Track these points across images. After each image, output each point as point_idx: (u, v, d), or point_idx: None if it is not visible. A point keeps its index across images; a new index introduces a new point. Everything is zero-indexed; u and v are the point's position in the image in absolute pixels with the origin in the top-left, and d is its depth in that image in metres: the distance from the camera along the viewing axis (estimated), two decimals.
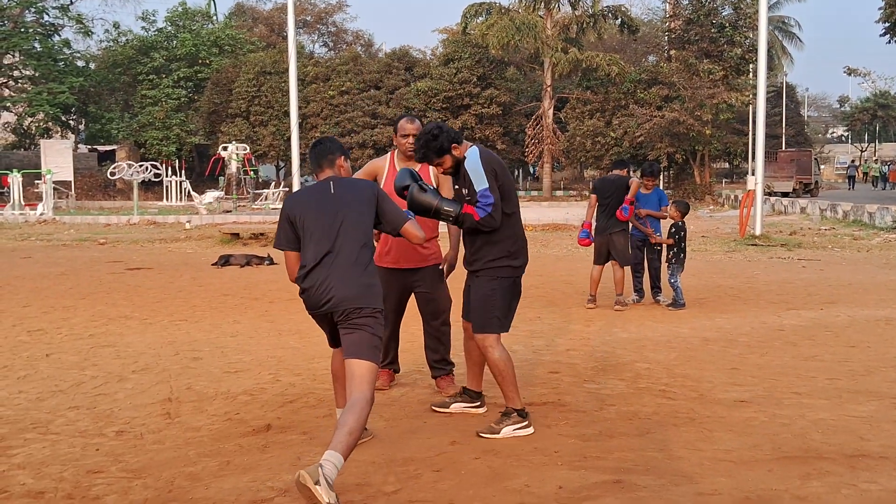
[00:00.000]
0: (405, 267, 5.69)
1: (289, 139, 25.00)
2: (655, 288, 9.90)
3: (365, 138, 42.93)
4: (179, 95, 46.91)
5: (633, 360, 6.74)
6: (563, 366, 6.56)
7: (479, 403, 5.26)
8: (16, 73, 47.14)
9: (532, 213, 27.78)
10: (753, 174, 19.55)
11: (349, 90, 44.48)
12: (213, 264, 14.14)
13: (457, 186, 4.92)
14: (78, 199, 38.74)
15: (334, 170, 4.49)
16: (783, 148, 52.19)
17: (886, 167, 54.74)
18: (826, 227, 21.74)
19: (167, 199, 36.63)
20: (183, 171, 40.58)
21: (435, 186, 5.73)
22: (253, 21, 62.55)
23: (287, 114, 29.88)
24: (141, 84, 47.00)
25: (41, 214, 28.57)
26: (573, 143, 41.75)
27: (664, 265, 9.72)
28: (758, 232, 18.30)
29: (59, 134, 49.63)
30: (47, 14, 47.17)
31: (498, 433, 4.67)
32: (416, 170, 5.74)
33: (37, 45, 45.92)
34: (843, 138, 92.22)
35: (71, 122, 51.54)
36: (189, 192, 34.79)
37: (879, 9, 32.62)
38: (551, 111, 42.32)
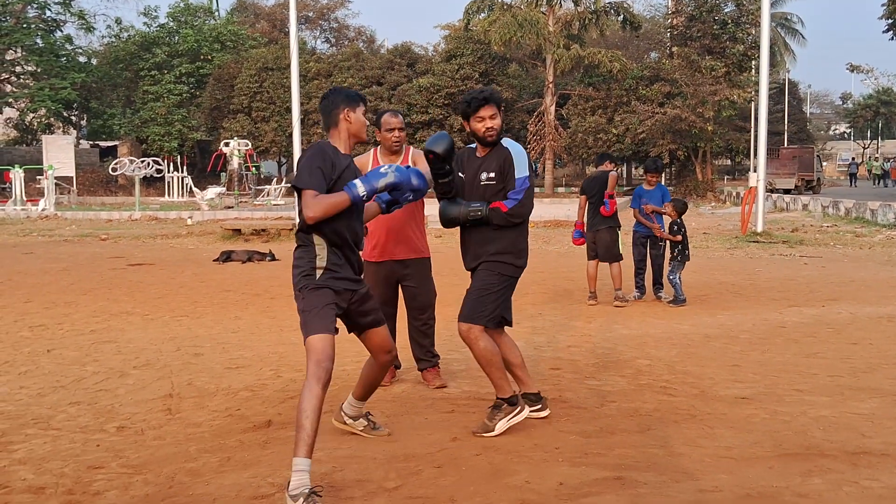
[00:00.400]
0: (393, 259, 5.71)
1: (290, 135, 25.00)
2: (657, 284, 9.89)
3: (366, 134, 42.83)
4: (181, 91, 46.90)
5: (635, 357, 6.74)
6: (564, 362, 6.56)
7: (540, 406, 4.99)
8: (18, 69, 47.14)
9: (534, 209, 27.73)
10: (755, 171, 19.53)
11: (351, 86, 44.41)
12: (214, 260, 14.14)
13: (461, 173, 4.83)
14: (80, 195, 38.77)
15: (338, 129, 4.17)
16: (785, 145, 52.11)
17: (888, 164, 54.64)
18: (828, 224, 21.72)
19: (169, 195, 36.62)
20: (185, 167, 40.54)
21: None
22: (255, 17, 62.50)
23: (289, 110, 29.88)
24: (143, 80, 46.98)
25: (43, 210, 28.60)
26: (575, 140, 41.70)
27: (667, 262, 9.72)
28: (759, 229, 18.29)
29: (61, 130, 49.61)
30: (49, 10, 47.17)
31: (493, 430, 4.60)
32: (399, 163, 5.77)
33: (39, 40, 45.90)
34: (846, 135, 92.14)
35: (73, 117, 51.51)
36: (191, 188, 34.79)
37: (883, 5, 32.59)
38: (553, 108, 42.25)
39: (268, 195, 34.06)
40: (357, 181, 3.96)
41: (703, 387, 5.76)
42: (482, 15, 42.68)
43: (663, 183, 24.09)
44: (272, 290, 10.69)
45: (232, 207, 29.99)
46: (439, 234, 18.23)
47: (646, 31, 49.06)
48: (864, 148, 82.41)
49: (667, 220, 9.68)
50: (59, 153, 37.92)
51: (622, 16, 42.32)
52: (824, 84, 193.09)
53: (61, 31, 48.41)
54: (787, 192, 38.48)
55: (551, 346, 7.21)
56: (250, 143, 37.91)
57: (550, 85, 42.18)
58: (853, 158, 66.86)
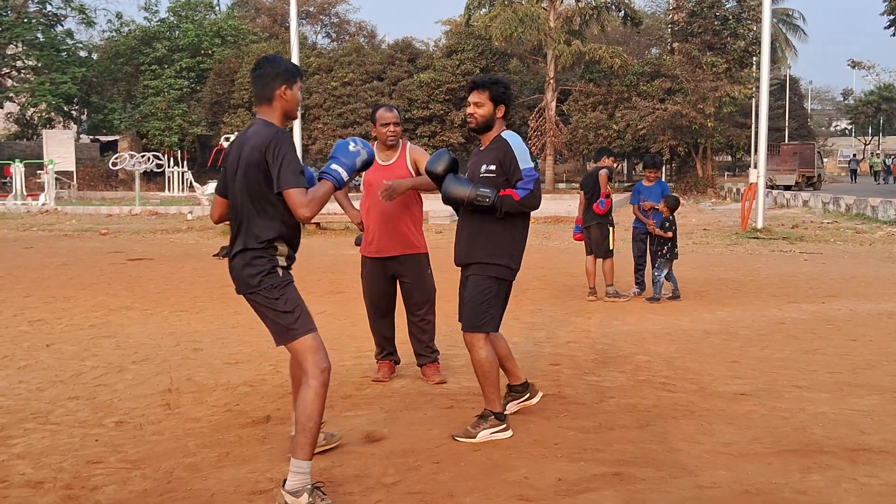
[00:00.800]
0: (388, 255, 5.70)
1: (291, 130, 24.97)
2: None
3: (367, 129, 42.82)
4: (182, 86, 46.87)
5: (634, 353, 6.73)
6: (563, 358, 6.56)
7: (529, 395, 5.02)
8: (18, 64, 47.13)
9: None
10: (756, 167, 19.51)
11: (352, 81, 44.41)
12: (214, 255, 14.13)
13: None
14: (80, 190, 38.75)
15: (272, 106, 3.83)
16: (786, 141, 52.09)
17: (890, 160, 54.57)
18: (828, 221, 21.71)
19: (169, 189, 36.61)
20: (185, 162, 40.59)
21: (414, 170, 5.74)
22: (255, 11, 62.45)
23: None
24: (143, 74, 46.96)
25: (43, 205, 28.58)
26: (576, 136, 41.70)
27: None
28: (760, 225, 18.28)
29: (62, 124, 49.63)
30: (50, 4, 47.14)
31: (474, 437, 4.48)
32: (395, 159, 5.76)
33: (39, 35, 45.90)
34: (847, 132, 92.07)
35: (73, 112, 51.53)
36: (191, 182, 34.79)
37: (884, 1, 32.52)
38: (554, 103, 42.23)
39: None
40: (335, 166, 3.76)
41: (703, 383, 5.76)
42: (483, 10, 42.66)
43: (663, 179, 24.12)
44: None
45: None
46: (439, 229, 18.24)
47: (647, 27, 49.02)
48: (865, 144, 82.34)
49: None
50: (60, 148, 37.92)
51: (623, 11, 42.29)
52: (825, 80, 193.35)
53: (62, 25, 48.43)
54: (787, 188, 38.46)
55: (550, 341, 7.21)
56: None
57: (551, 81, 42.15)
58: (854, 155, 66.82)
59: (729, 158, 63.23)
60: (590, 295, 9.47)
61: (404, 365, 6.14)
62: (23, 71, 47.30)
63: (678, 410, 5.09)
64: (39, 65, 45.51)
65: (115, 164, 34.95)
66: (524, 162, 4.57)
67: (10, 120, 51.12)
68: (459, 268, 4.80)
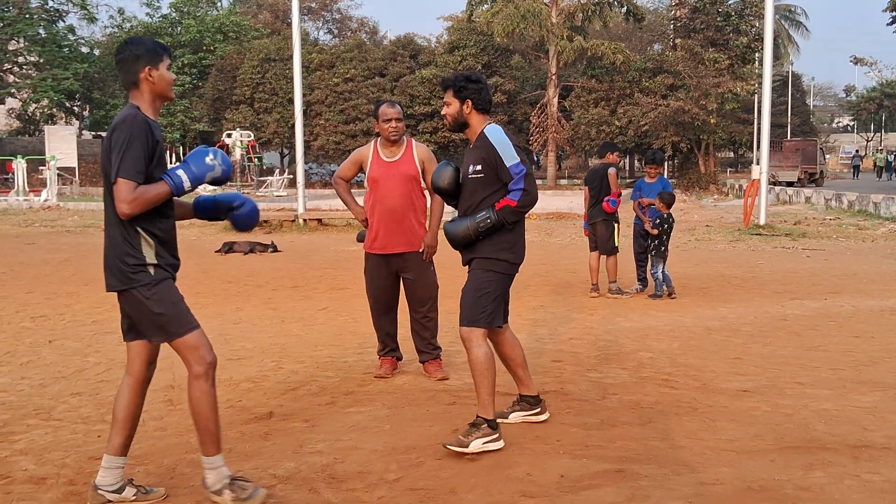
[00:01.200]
0: (392, 252, 5.69)
1: (293, 126, 24.96)
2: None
3: (369, 126, 42.85)
4: (184, 82, 46.89)
5: (636, 350, 6.73)
6: (566, 354, 6.55)
7: (538, 410, 4.81)
8: (20, 59, 47.15)
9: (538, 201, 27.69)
10: (758, 163, 19.50)
11: (354, 77, 44.41)
12: (216, 251, 14.14)
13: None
14: (82, 186, 38.77)
15: (140, 90, 3.55)
16: (788, 137, 52.01)
17: (892, 157, 54.47)
18: (831, 217, 21.69)
19: None
20: None
21: (421, 169, 5.72)
22: (257, 8, 62.44)
23: (291, 101, 29.81)
24: None
25: (45, 201, 28.59)
26: (578, 132, 41.68)
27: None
28: (762, 221, 18.27)
29: (64, 120, 49.66)
30: (52, 0, 47.15)
31: (467, 446, 4.22)
32: (400, 155, 5.75)
33: (41, 31, 45.92)
34: (849, 128, 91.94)
35: (75, 108, 51.54)
36: None
37: None
38: (556, 99, 42.21)
39: (270, 186, 34.04)
40: (181, 172, 3.49)
41: (705, 379, 5.75)
42: (485, 6, 42.65)
43: (665, 175, 24.07)
44: (274, 281, 10.69)
45: None
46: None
47: (649, 23, 48.97)
48: (868, 141, 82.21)
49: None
50: (62, 144, 37.91)
51: (625, 7, 42.25)
52: (828, 76, 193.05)
53: (64, 21, 48.44)
54: (789, 184, 38.43)
55: (553, 338, 7.20)
56: (252, 135, 37.91)
57: (553, 77, 42.12)
58: (856, 151, 66.72)
59: (731, 155, 63.17)
60: (592, 291, 9.47)
61: (406, 361, 6.13)
62: (24, 67, 47.32)
63: (681, 407, 5.09)
64: (41, 61, 45.53)
65: None
66: (509, 158, 4.36)
67: (12, 116, 51.11)
68: (466, 267, 4.68)
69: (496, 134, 4.44)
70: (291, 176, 32.19)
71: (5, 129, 53.55)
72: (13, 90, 46.50)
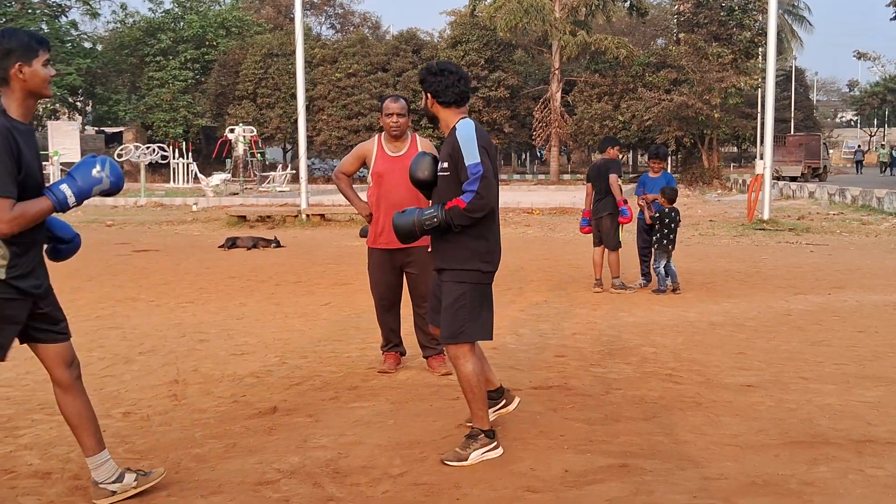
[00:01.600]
0: (398, 247, 5.67)
1: (296, 122, 24.98)
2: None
3: (372, 121, 42.87)
4: (186, 77, 46.92)
5: (640, 345, 6.73)
6: (569, 350, 6.55)
7: (505, 402, 4.59)
8: None
9: (539, 196, 27.78)
10: (762, 158, 19.48)
11: (356, 73, 44.41)
12: (219, 247, 14.15)
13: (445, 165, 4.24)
14: None
15: (10, 88, 3.23)
16: (792, 132, 51.90)
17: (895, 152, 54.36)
18: (834, 212, 21.65)
19: (174, 181, 36.63)
20: (190, 154, 40.58)
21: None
22: (260, 2, 62.42)
23: (294, 96, 29.81)
24: (148, 66, 47.02)
25: None
26: (581, 127, 41.65)
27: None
28: (766, 216, 18.24)
29: (67, 115, 49.70)
30: None
31: (466, 459, 4.08)
32: (406, 150, 5.73)
33: (44, 26, 45.93)
34: (853, 123, 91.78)
35: (78, 103, 51.62)
36: (196, 174, 34.81)
37: None
38: (559, 94, 42.19)
39: (273, 182, 34.05)
40: (65, 186, 3.25)
41: (709, 374, 5.75)
42: (488, 1, 42.60)
43: (669, 170, 24.06)
44: (277, 276, 10.69)
45: (237, 194, 30.00)
46: None
47: (652, 18, 48.93)
48: (871, 136, 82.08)
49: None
50: (65, 139, 37.85)
51: (629, 2, 42.23)
52: (831, 71, 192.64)
53: (66, 16, 48.54)
54: (793, 179, 38.33)
55: (556, 333, 7.20)
56: (255, 130, 37.90)
57: (556, 71, 42.09)
58: (859, 146, 66.61)
59: (735, 149, 63.06)
60: (595, 286, 9.46)
61: (410, 356, 6.14)
62: None
63: (684, 402, 5.09)
64: None
65: (120, 156, 34.93)
66: (470, 157, 4.04)
67: None
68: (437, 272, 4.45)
69: (465, 129, 4.15)
70: (294, 171, 32.18)
71: None
72: None
